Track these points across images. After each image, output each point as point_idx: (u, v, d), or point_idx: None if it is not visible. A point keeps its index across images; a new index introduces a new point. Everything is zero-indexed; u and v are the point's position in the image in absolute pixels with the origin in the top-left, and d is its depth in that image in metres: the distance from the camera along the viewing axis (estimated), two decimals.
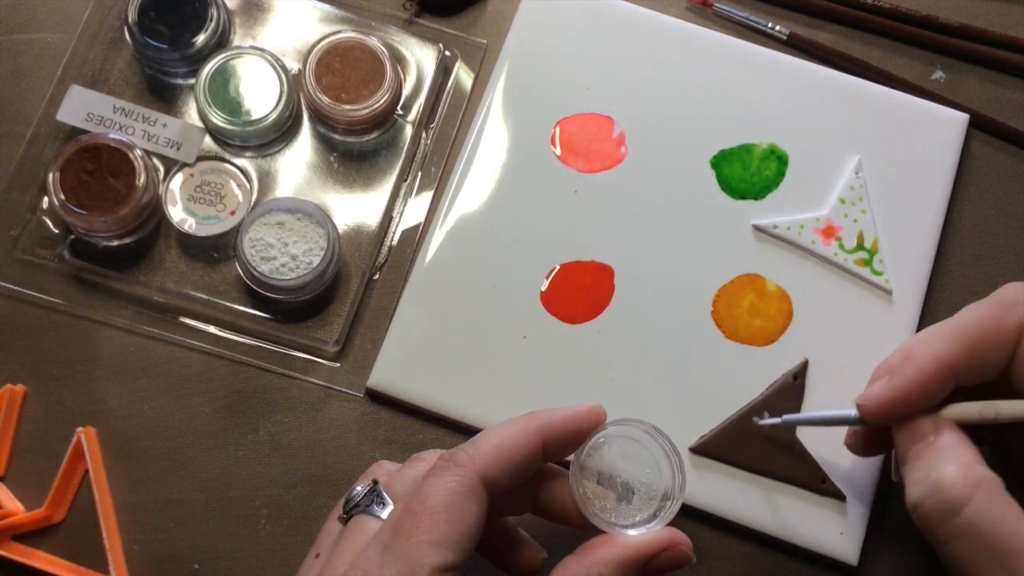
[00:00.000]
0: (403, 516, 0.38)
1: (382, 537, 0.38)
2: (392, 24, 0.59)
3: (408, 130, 0.57)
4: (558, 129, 0.56)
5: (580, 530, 0.42)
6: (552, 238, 0.55)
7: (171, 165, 0.56)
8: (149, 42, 0.56)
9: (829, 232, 0.54)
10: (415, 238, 0.56)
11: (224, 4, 0.57)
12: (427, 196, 0.57)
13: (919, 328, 0.53)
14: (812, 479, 0.51)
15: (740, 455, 0.51)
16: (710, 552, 0.52)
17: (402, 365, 0.53)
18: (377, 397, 0.54)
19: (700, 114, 0.56)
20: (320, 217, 0.54)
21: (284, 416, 0.53)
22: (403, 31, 0.59)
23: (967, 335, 0.41)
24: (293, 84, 0.56)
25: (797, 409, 0.52)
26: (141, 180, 0.53)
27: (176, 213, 0.55)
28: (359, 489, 0.42)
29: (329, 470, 0.53)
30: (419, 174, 0.57)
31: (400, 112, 0.57)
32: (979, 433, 0.43)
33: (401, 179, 0.57)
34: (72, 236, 0.55)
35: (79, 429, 0.53)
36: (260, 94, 0.56)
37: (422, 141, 0.58)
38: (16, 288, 0.55)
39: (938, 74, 0.59)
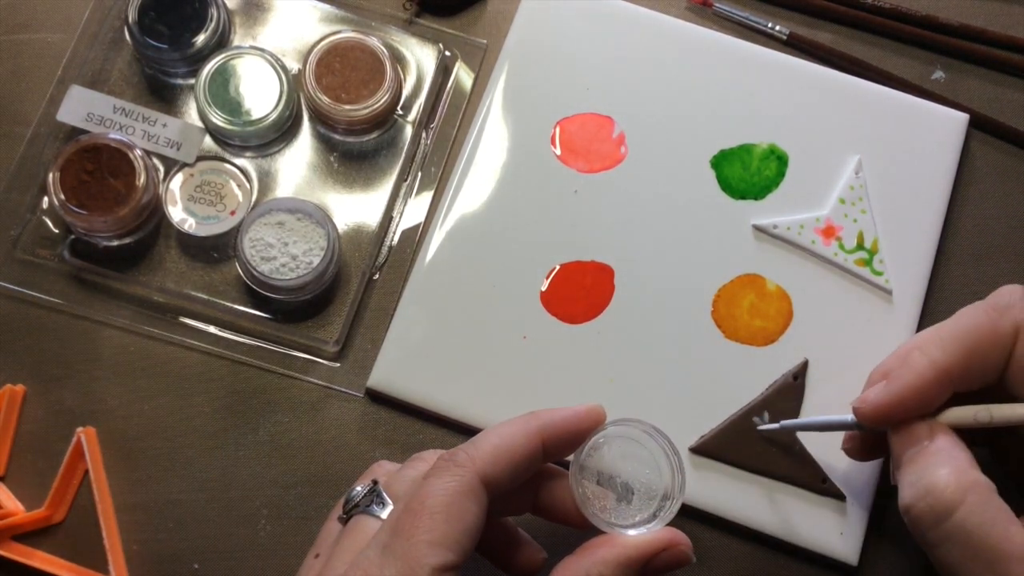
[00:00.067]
0: (403, 516, 0.38)
1: (382, 537, 0.38)
2: (392, 24, 0.59)
3: (408, 130, 0.57)
4: (558, 129, 0.56)
5: (580, 530, 0.42)
6: (552, 238, 0.55)
7: (171, 165, 0.56)
8: (149, 42, 0.56)
9: (829, 232, 0.54)
10: (415, 238, 0.56)
11: (224, 4, 0.57)
12: (427, 196, 0.57)
13: (919, 328, 0.53)
14: (812, 479, 0.51)
15: (740, 455, 0.51)
16: (710, 552, 0.52)
17: (402, 365, 0.53)
18: (377, 397, 0.54)
19: (700, 114, 0.56)
20: (320, 217, 0.54)
21: (284, 416, 0.53)
22: (403, 31, 0.59)
23: (963, 340, 0.41)
24: (293, 84, 0.56)
25: (797, 409, 0.52)
26: (141, 180, 0.53)
27: (176, 213, 0.55)
28: (359, 489, 0.42)
29: (329, 470, 0.53)
30: (419, 174, 0.57)
31: (400, 112, 0.57)
32: (975, 436, 0.43)
33: (401, 179, 0.57)
34: (72, 236, 0.55)
35: (79, 429, 0.53)
36: (260, 94, 0.56)
37: (422, 141, 0.58)
38: (16, 288, 0.55)
39: (938, 74, 0.59)
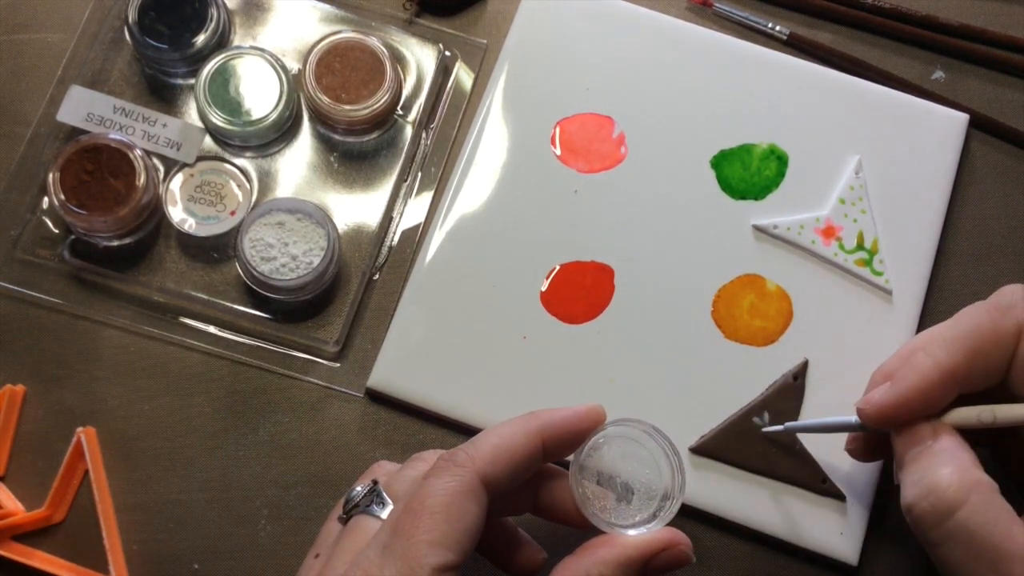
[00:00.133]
0: (403, 516, 0.38)
1: (382, 537, 0.38)
2: (392, 24, 0.59)
3: (408, 130, 0.57)
4: (558, 129, 0.56)
5: (580, 530, 0.42)
6: (552, 238, 0.55)
7: (171, 165, 0.56)
8: (149, 42, 0.56)
9: (829, 232, 0.54)
10: (415, 238, 0.56)
11: (224, 4, 0.57)
12: (427, 196, 0.57)
13: (919, 328, 0.53)
14: (812, 479, 0.51)
15: (740, 455, 0.51)
16: (710, 552, 0.52)
17: (402, 365, 0.53)
18: (377, 397, 0.54)
19: (700, 114, 0.56)
20: (320, 217, 0.54)
21: (284, 416, 0.53)
22: (403, 31, 0.59)
23: (966, 340, 0.41)
24: (293, 84, 0.56)
25: (797, 409, 0.52)
26: (141, 180, 0.53)
27: (176, 213, 0.55)
28: (359, 489, 0.42)
29: (329, 470, 0.53)
30: (419, 174, 0.57)
31: (400, 112, 0.57)
32: (978, 437, 0.43)
33: (401, 179, 0.57)
34: (72, 236, 0.55)
35: (79, 429, 0.53)
36: (260, 94, 0.56)
37: (422, 141, 0.58)
38: (16, 288, 0.55)
39: (938, 74, 0.59)
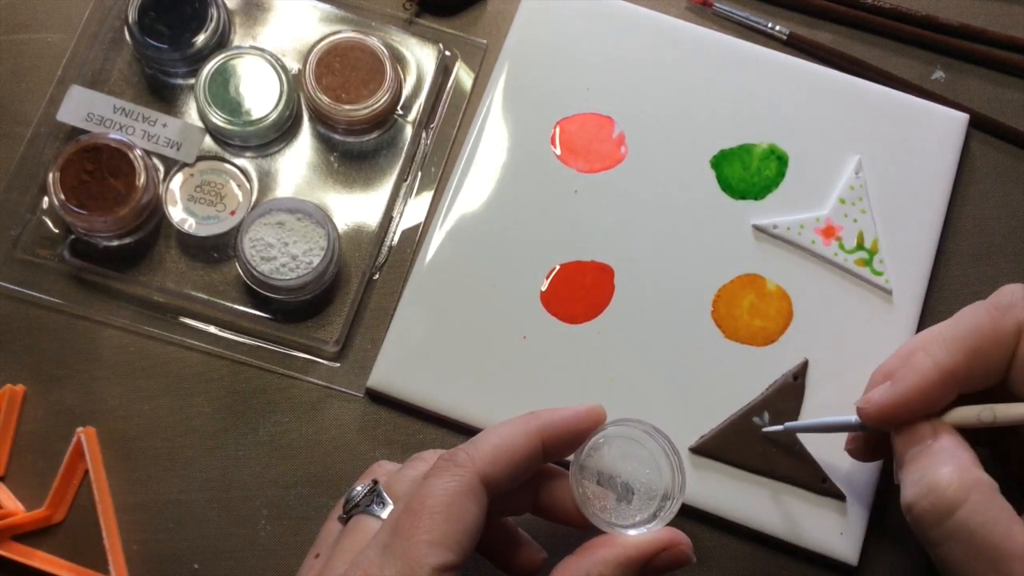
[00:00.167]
0: (403, 516, 0.38)
1: (382, 537, 0.38)
2: (392, 24, 0.59)
3: (408, 130, 0.57)
4: (558, 129, 0.56)
5: (580, 530, 0.42)
6: (552, 238, 0.55)
7: (171, 165, 0.56)
8: (149, 42, 0.56)
9: (829, 232, 0.54)
10: (415, 238, 0.56)
11: (224, 4, 0.57)
12: (427, 196, 0.57)
13: (919, 328, 0.53)
14: (812, 479, 0.51)
15: (740, 455, 0.51)
16: (710, 552, 0.52)
17: (402, 365, 0.53)
18: (377, 397, 0.54)
19: (700, 114, 0.56)
20: (320, 217, 0.54)
21: (284, 416, 0.53)
22: (403, 31, 0.59)
23: (966, 340, 0.41)
24: (293, 84, 0.56)
25: (797, 408, 0.52)
26: (141, 180, 0.53)
27: (176, 213, 0.55)
28: (359, 489, 0.42)
29: (329, 470, 0.53)
30: (419, 174, 0.57)
31: (400, 112, 0.57)
32: (978, 436, 0.43)
33: (401, 179, 0.57)
34: (72, 236, 0.55)
35: (79, 429, 0.53)
36: (260, 94, 0.56)
37: (422, 141, 0.58)
38: (16, 288, 0.55)
39: (938, 74, 0.59)
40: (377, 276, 0.56)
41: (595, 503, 0.42)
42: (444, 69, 0.59)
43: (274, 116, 0.55)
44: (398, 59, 0.58)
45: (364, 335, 0.55)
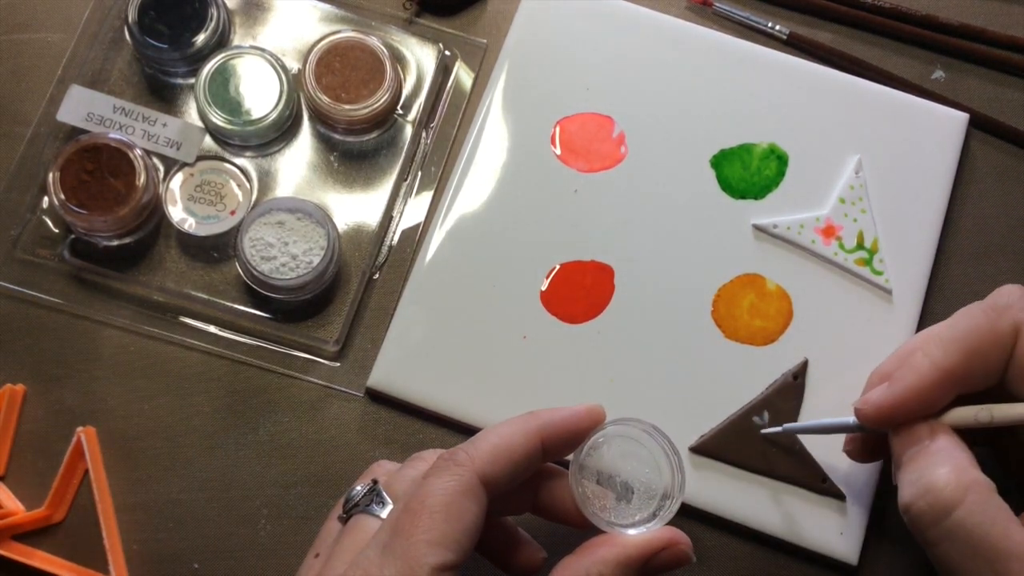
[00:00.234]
0: (402, 516, 0.38)
1: (382, 537, 0.38)
2: (392, 24, 0.59)
3: (408, 130, 0.57)
4: (558, 129, 0.56)
5: (580, 530, 0.42)
6: (552, 238, 0.55)
7: (171, 165, 0.56)
8: (149, 42, 0.56)
9: (829, 232, 0.54)
10: (415, 238, 0.56)
11: (224, 4, 0.57)
12: (427, 196, 0.57)
13: (919, 328, 0.53)
14: (812, 479, 0.51)
15: (740, 455, 0.51)
16: (710, 552, 0.52)
17: (402, 365, 0.53)
18: (377, 397, 0.54)
19: (700, 114, 0.56)
20: (320, 217, 0.54)
21: (284, 416, 0.53)
22: (403, 31, 0.59)
23: (964, 341, 0.41)
24: (293, 84, 0.56)
25: (797, 408, 0.52)
26: (141, 180, 0.53)
27: (176, 213, 0.55)
28: (359, 489, 0.42)
29: (329, 470, 0.53)
30: (419, 174, 0.57)
31: (400, 112, 0.57)
32: (976, 436, 0.43)
33: (401, 179, 0.57)
34: (72, 236, 0.55)
35: (79, 429, 0.53)
36: (260, 94, 0.56)
37: (422, 141, 0.58)
38: (16, 288, 0.55)
39: (938, 74, 0.59)
40: (377, 276, 0.56)
41: (595, 502, 0.42)
42: (444, 69, 0.59)
43: (274, 116, 0.55)
44: (398, 59, 0.58)
45: (364, 335, 0.55)
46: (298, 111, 0.57)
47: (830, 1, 0.59)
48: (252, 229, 0.53)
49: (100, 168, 0.53)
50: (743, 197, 0.55)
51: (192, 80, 0.56)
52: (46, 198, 0.55)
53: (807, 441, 0.51)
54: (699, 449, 0.51)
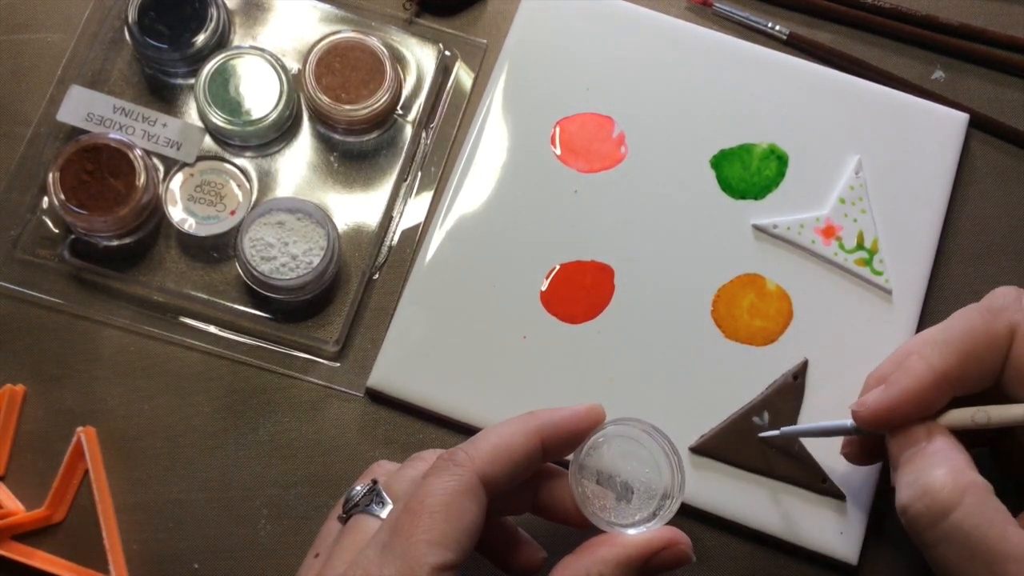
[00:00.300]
0: (402, 515, 0.38)
1: (381, 536, 0.38)
2: (392, 24, 0.59)
3: (408, 130, 0.57)
4: (558, 129, 0.56)
5: (580, 530, 0.42)
6: (552, 238, 0.55)
7: (171, 165, 0.56)
8: (149, 42, 0.56)
9: (829, 232, 0.54)
10: (415, 238, 0.56)
11: (224, 4, 0.57)
12: (427, 196, 0.57)
13: (919, 328, 0.53)
14: (812, 479, 0.51)
15: (740, 455, 0.51)
16: (710, 552, 0.52)
17: (402, 365, 0.53)
18: (377, 397, 0.54)
19: (700, 114, 0.56)
20: (320, 217, 0.54)
21: (284, 416, 0.53)
22: (403, 31, 0.59)
23: (960, 343, 0.41)
24: (293, 84, 0.56)
25: (797, 408, 0.52)
26: (141, 180, 0.53)
27: (176, 213, 0.55)
28: (359, 489, 0.42)
29: (329, 470, 0.53)
30: (419, 174, 0.57)
31: (400, 112, 0.57)
32: (973, 438, 0.43)
33: (401, 179, 0.57)
34: (72, 236, 0.55)
35: (79, 429, 0.53)
36: (260, 94, 0.56)
37: (422, 141, 0.58)
38: (16, 288, 0.55)
39: (938, 74, 0.59)
40: (377, 276, 0.56)
41: (594, 502, 0.42)
42: (444, 69, 0.59)
43: (274, 116, 0.55)
44: (398, 59, 0.58)
45: (364, 335, 0.55)
46: (298, 111, 0.57)
47: (830, 1, 0.59)
48: (252, 229, 0.53)
49: (100, 168, 0.53)
50: (743, 197, 0.55)
51: (192, 80, 0.56)
52: (46, 198, 0.55)
53: (807, 441, 0.51)
54: (699, 449, 0.51)
